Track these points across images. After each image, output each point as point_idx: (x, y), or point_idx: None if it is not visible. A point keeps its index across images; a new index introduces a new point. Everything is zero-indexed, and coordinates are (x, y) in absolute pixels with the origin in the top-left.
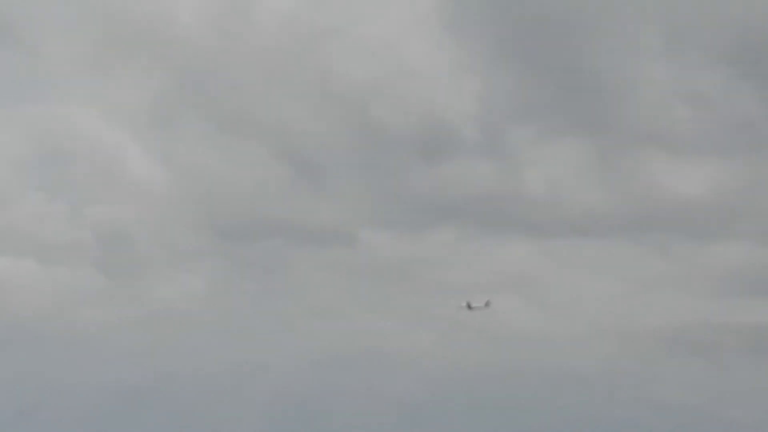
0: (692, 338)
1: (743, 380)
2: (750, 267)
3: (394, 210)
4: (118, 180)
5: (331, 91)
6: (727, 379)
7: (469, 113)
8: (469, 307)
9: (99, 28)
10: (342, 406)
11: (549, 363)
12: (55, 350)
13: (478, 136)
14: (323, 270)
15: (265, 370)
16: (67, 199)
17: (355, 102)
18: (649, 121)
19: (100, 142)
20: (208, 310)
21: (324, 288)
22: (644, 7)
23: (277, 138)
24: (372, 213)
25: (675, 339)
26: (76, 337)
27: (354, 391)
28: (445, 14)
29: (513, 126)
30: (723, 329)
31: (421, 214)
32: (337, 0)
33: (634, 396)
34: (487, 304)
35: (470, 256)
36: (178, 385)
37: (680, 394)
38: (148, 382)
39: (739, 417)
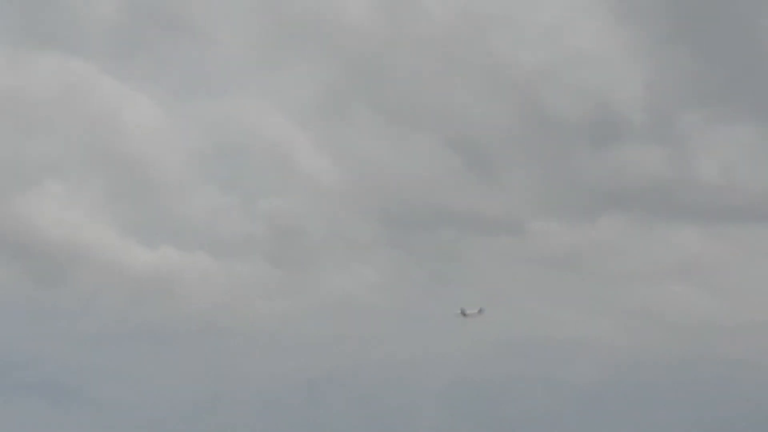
0: None
1: None
2: None
3: (564, 198)
4: (289, 172)
5: (501, 79)
6: None
7: (638, 98)
8: (463, 314)
9: (270, 20)
10: (517, 394)
11: (722, 350)
12: (230, 343)
13: (648, 122)
14: (494, 259)
15: (439, 359)
16: (240, 193)
17: (523, 90)
18: None
19: (271, 135)
20: (382, 300)
21: (496, 277)
22: None
23: (447, 127)
24: (541, 201)
25: None
26: (252, 329)
27: (528, 379)
28: None
29: (683, 111)
30: None
31: (590, 201)
32: None
33: None
34: (480, 311)
35: (641, 243)
36: (353, 374)
37: None
38: (324, 373)
39: None
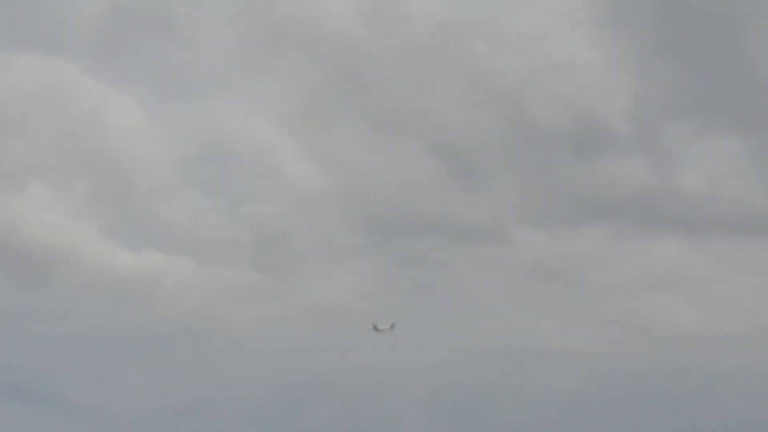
0: None
1: None
2: None
3: (548, 207)
4: (273, 178)
5: (484, 88)
6: None
7: (622, 109)
8: (375, 329)
9: (255, 24)
10: (499, 404)
11: (706, 362)
12: (213, 348)
13: (632, 132)
14: (478, 267)
15: (421, 367)
16: (224, 197)
17: (507, 98)
18: None
19: (255, 140)
20: (364, 307)
21: (479, 285)
22: None
23: (431, 134)
24: (525, 210)
25: None
26: (234, 334)
27: (511, 389)
28: (598, 7)
29: (668, 122)
30: None
31: (574, 211)
32: None
33: None
34: (392, 327)
35: (624, 254)
36: (335, 381)
37: None
38: (305, 378)
39: None
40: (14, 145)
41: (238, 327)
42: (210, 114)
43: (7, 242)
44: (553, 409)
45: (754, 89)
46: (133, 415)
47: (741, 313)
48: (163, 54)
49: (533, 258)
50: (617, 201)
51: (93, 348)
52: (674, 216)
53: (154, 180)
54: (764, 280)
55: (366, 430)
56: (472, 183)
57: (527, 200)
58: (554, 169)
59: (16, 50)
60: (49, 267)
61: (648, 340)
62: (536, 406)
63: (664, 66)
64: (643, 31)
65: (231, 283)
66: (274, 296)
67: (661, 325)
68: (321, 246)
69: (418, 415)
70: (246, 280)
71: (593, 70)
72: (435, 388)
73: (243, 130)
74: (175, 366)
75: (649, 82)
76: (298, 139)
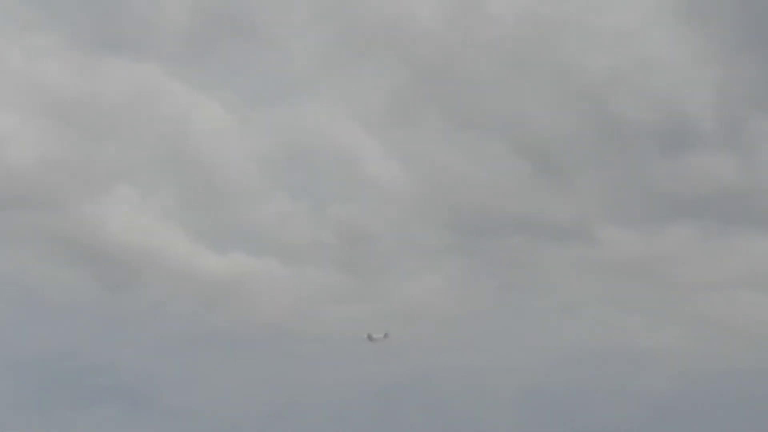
0: None
1: None
2: None
3: (634, 205)
4: (358, 178)
5: (569, 85)
6: None
7: (709, 105)
8: (369, 338)
9: (339, 25)
10: (589, 404)
11: None
12: (302, 349)
13: (718, 128)
14: (564, 266)
15: (510, 368)
16: (310, 199)
17: (593, 95)
18: None
19: (341, 141)
20: (452, 307)
21: (566, 284)
22: None
23: (516, 133)
24: (612, 208)
25: None
26: (323, 335)
27: (600, 388)
28: (683, 2)
29: (755, 117)
30: None
31: (660, 208)
32: None
33: None
34: (385, 336)
35: (712, 251)
36: (424, 383)
37: None
38: (394, 379)
39: None
40: (102, 149)
41: (327, 328)
42: (295, 116)
43: (97, 246)
44: (643, 408)
45: None
46: (225, 416)
47: None
48: (248, 56)
49: (620, 256)
50: (704, 198)
51: (184, 350)
52: (761, 212)
53: (241, 183)
54: None
55: (455, 429)
56: (557, 181)
57: (613, 198)
58: (640, 166)
59: (103, 55)
60: (138, 270)
61: (738, 338)
62: (626, 406)
63: (750, 61)
64: (728, 25)
65: (318, 284)
66: (361, 297)
67: (751, 323)
68: (407, 246)
69: (508, 415)
70: (333, 281)
71: (678, 66)
72: (524, 388)
73: (328, 132)
74: (266, 367)
75: (736, 77)
76: (383, 139)
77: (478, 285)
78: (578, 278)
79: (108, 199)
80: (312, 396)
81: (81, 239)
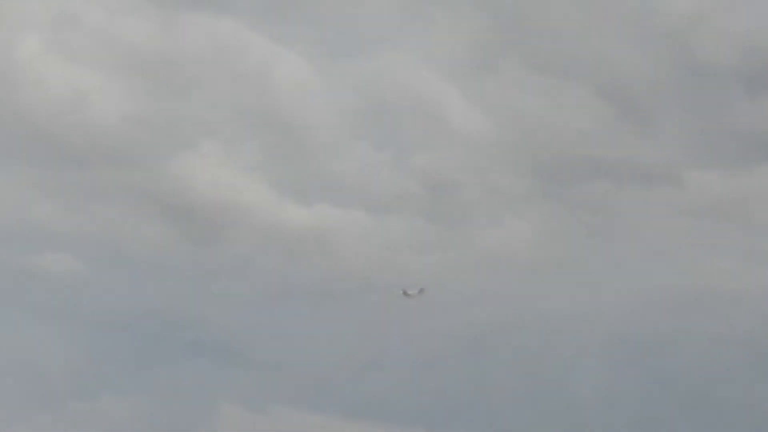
0: None
1: None
2: None
3: (720, 147)
4: (441, 127)
5: (651, 26)
6: None
7: None
8: (405, 293)
9: None
10: (678, 348)
11: None
12: (390, 300)
13: None
14: (650, 210)
15: (598, 314)
16: (393, 149)
17: (675, 36)
18: None
19: (422, 91)
20: (538, 254)
21: (652, 228)
22: None
23: (598, 77)
24: (697, 150)
25: None
26: (410, 286)
27: (689, 332)
28: None
29: None
30: None
31: (747, 149)
32: None
33: None
34: (420, 291)
35: None
36: (510, 331)
37: None
38: (482, 327)
39: None
40: (185, 105)
41: (413, 278)
42: (376, 66)
43: (183, 201)
44: (733, 352)
45: None
46: (316, 370)
47: None
48: (328, 9)
49: (707, 199)
50: None
51: (272, 304)
52: None
53: (324, 135)
54: None
55: (544, 377)
56: (641, 125)
57: (699, 140)
58: (725, 107)
59: (184, 10)
60: (224, 224)
61: None
62: (715, 350)
63: None
64: None
65: (404, 234)
66: (448, 246)
67: None
68: (491, 194)
69: (596, 362)
70: (418, 231)
71: (763, 6)
72: (612, 334)
73: (409, 81)
74: (354, 320)
75: None
76: (464, 88)
77: (563, 231)
78: (664, 222)
79: (192, 155)
80: (401, 346)
81: (167, 195)
